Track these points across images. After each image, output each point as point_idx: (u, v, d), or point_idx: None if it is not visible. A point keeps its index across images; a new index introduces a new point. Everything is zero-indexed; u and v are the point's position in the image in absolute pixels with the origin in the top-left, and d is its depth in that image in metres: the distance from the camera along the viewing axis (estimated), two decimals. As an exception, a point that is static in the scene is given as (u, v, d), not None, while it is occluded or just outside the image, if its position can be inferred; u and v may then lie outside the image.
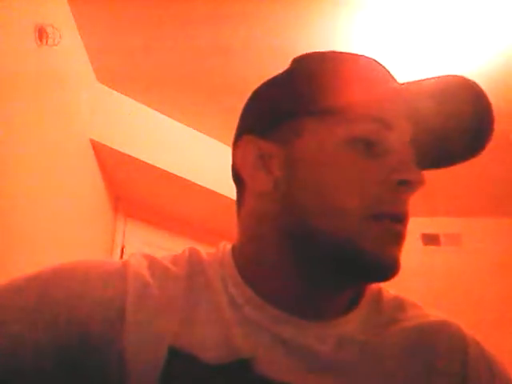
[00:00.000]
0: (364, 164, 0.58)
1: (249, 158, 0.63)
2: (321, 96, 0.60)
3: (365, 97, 0.59)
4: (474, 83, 0.59)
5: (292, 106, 0.62)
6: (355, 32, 1.95)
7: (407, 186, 0.57)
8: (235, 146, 0.66)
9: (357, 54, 0.65)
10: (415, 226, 3.10)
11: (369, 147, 0.58)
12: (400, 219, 0.58)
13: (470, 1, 1.80)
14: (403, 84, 0.60)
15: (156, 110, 2.53)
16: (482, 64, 2.07)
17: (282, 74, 0.67)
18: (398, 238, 0.57)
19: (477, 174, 2.64)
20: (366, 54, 0.65)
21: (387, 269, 0.56)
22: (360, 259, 0.56)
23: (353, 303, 0.63)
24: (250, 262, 0.63)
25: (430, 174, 0.60)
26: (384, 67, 0.65)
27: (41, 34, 1.63)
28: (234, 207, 0.69)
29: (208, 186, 2.58)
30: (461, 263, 3.03)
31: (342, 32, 1.96)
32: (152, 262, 0.63)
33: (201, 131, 2.67)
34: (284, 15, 1.90)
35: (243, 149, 0.64)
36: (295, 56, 0.69)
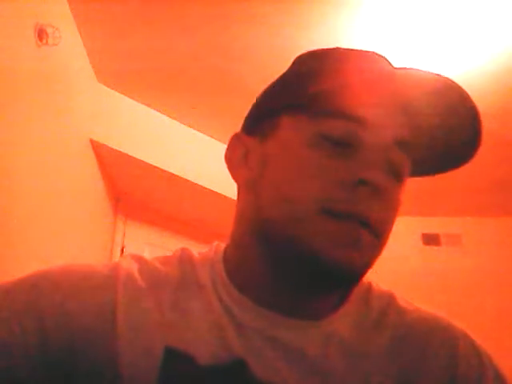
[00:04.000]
0: (327, 163, 0.55)
1: (235, 154, 0.64)
2: (297, 92, 0.60)
3: (337, 92, 0.55)
4: (461, 89, 0.55)
5: (274, 103, 0.62)
6: (356, 32, 1.95)
7: (368, 186, 0.53)
8: None
9: (358, 51, 0.64)
10: (415, 226, 3.13)
11: (337, 146, 0.55)
12: (363, 222, 0.53)
13: (470, 0, 1.81)
14: (392, 75, 0.56)
15: (156, 109, 2.53)
16: (483, 64, 2.06)
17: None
18: (355, 241, 0.53)
19: (477, 173, 2.64)
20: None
21: (339, 271, 0.53)
22: (311, 259, 0.53)
23: (342, 300, 0.62)
24: (233, 262, 0.62)
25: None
26: (385, 61, 0.62)
27: (41, 34, 1.63)
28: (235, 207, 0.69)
29: (208, 186, 2.58)
30: (461, 263, 3.02)
31: (342, 32, 1.95)
32: (143, 265, 0.62)
33: (201, 131, 2.66)
34: (284, 16, 1.90)
35: (231, 145, 0.65)
36: (295, 56, 0.69)
